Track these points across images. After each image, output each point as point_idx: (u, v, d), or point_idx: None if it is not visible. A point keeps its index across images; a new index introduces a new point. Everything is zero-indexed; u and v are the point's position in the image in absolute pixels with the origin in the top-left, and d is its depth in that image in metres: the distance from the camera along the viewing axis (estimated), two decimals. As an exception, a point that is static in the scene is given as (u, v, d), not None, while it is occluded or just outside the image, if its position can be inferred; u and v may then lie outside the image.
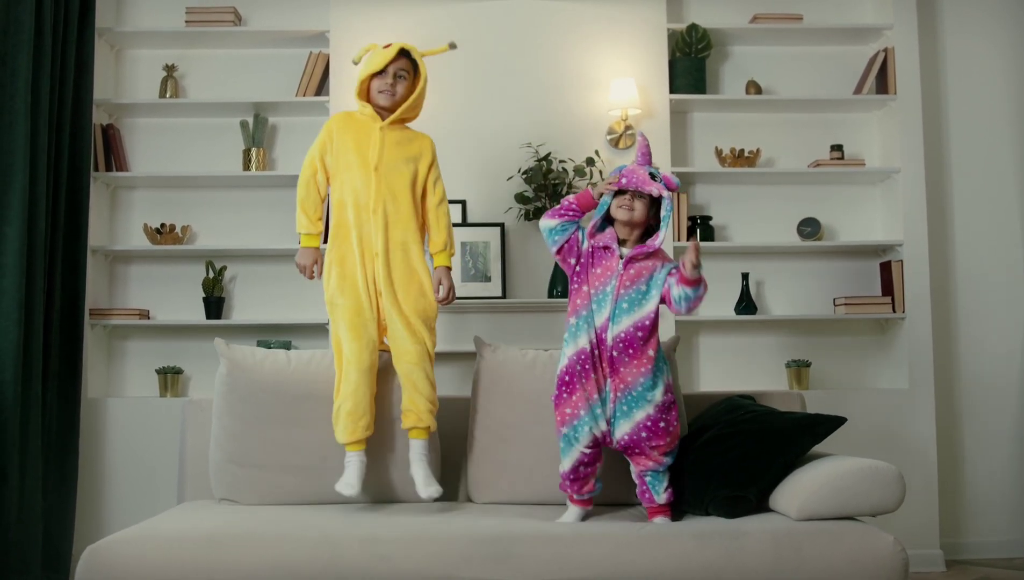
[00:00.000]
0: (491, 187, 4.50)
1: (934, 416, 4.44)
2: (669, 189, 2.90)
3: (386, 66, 3.14)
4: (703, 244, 4.52)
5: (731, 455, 2.91)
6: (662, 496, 2.90)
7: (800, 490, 2.77)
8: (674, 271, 2.90)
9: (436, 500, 3.11)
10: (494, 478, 3.16)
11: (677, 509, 2.95)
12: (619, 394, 2.86)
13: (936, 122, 4.78)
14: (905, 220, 4.52)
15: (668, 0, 4.62)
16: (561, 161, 4.46)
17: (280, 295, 4.55)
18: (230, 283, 4.62)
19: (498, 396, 3.20)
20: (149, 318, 4.50)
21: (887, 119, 4.67)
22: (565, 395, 2.90)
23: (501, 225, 4.47)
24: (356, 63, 3.25)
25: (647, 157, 2.98)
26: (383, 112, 3.19)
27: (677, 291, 2.87)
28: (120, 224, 4.63)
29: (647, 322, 2.88)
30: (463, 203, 4.50)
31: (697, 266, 2.81)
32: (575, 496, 2.94)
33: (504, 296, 4.43)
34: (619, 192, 2.93)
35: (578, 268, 2.96)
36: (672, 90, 4.58)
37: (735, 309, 4.56)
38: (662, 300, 2.91)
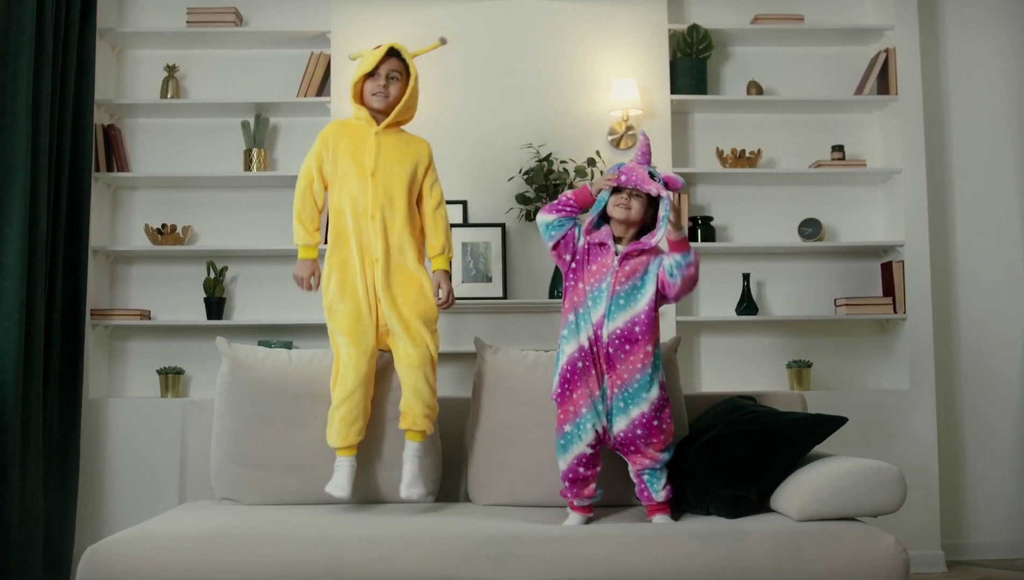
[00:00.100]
0: (492, 187, 4.50)
1: (935, 417, 4.44)
2: (672, 188, 2.90)
3: (377, 67, 3.13)
4: (703, 244, 4.53)
5: (732, 455, 2.91)
6: (660, 494, 2.90)
7: (801, 490, 2.77)
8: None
9: (436, 501, 3.12)
10: (494, 479, 3.15)
11: (677, 508, 2.95)
12: (616, 391, 2.86)
13: (937, 123, 4.78)
14: (906, 221, 4.52)
15: (669, 1, 4.62)
16: (562, 161, 4.46)
17: (281, 295, 4.55)
18: (231, 283, 4.63)
19: (498, 398, 3.19)
20: (150, 318, 4.51)
21: (888, 120, 4.67)
22: (567, 393, 2.90)
23: (502, 225, 4.47)
24: (353, 59, 3.24)
25: (647, 156, 2.98)
26: (378, 116, 3.18)
27: (668, 262, 2.87)
28: (121, 224, 4.64)
29: (643, 316, 2.87)
30: (464, 203, 4.50)
31: (679, 226, 2.84)
32: (575, 503, 2.92)
33: (505, 296, 4.43)
34: (617, 190, 2.93)
35: (573, 265, 2.96)
36: (673, 91, 4.58)
37: (736, 310, 4.56)
38: (660, 292, 2.89)
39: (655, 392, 2.86)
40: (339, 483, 2.96)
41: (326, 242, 3.23)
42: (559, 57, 4.59)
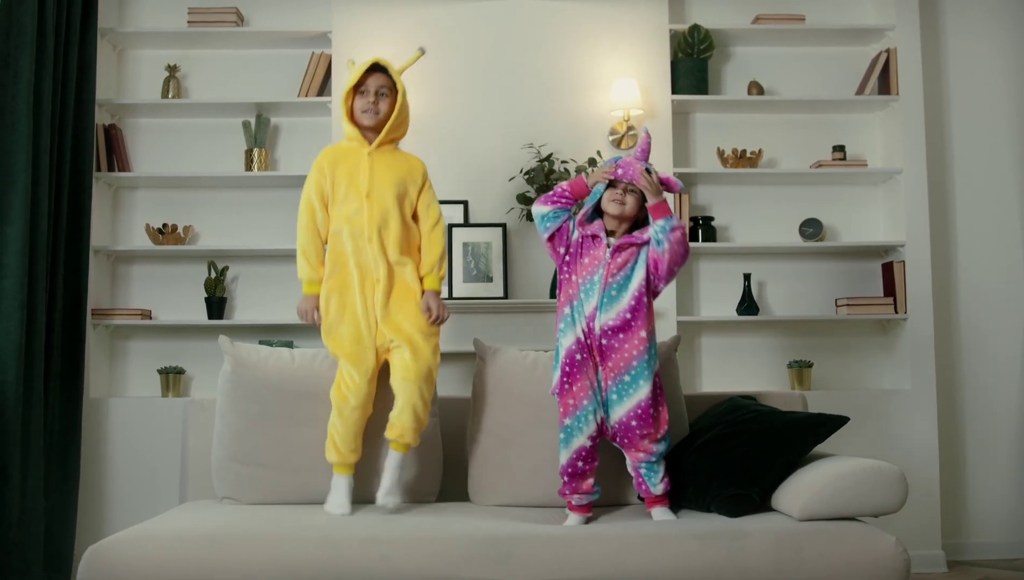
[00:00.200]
0: (493, 187, 4.50)
1: (936, 417, 4.43)
2: (671, 191, 2.95)
3: (366, 83, 3.09)
4: (704, 245, 4.53)
5: (733, 454, 2.92)
6: (658, 487, 2.91)
7: (803, 490, 2.77)
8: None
9: (436, 501, 3.11)
10: (495, 480, 3.15)
11: (678, 505, 2.96)
12: (610, 382, 2.88)
13: (938, 123, 4.78)
14: (907, 221, 4.52)
15: (670, 1, 4.62)
16: (563, 161, 4.46)
17: (282, 295, 4.55)
18: (232, 283, 4.63)
19: (499, 399, 3.19)
20: (151, 318, 4.51)
21: (889, 120, 4.66)
22: (567, 386, 2.92)
23: (503, 225, 4.47)
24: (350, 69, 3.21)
25: (646, 153, 3.02)
26: (369, 135, 3.14)
27: (652, 232, 2.90)
28: (122, 224, 4.64)
29: (633, 302, 2.89)
30: (465, 203, 4.50)
31: (657, 192, 2.89)
32: (573, 502, 2.93)
33: (506, 296, 4.43)
34: (612, 184, 2.96)
35: (567, 258, 2.99)
36: (674, 91, 4.58)
37: (737, 310, 4.56)
38: (652, 273, 2.91)
39: (649, 381, 2.87)
40: (338, 502, 2.95)
41: None
42: (560, 57, 4.59)
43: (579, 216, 3.00)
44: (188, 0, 4.61)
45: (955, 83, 4.81)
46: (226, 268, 4.53)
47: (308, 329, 4.45)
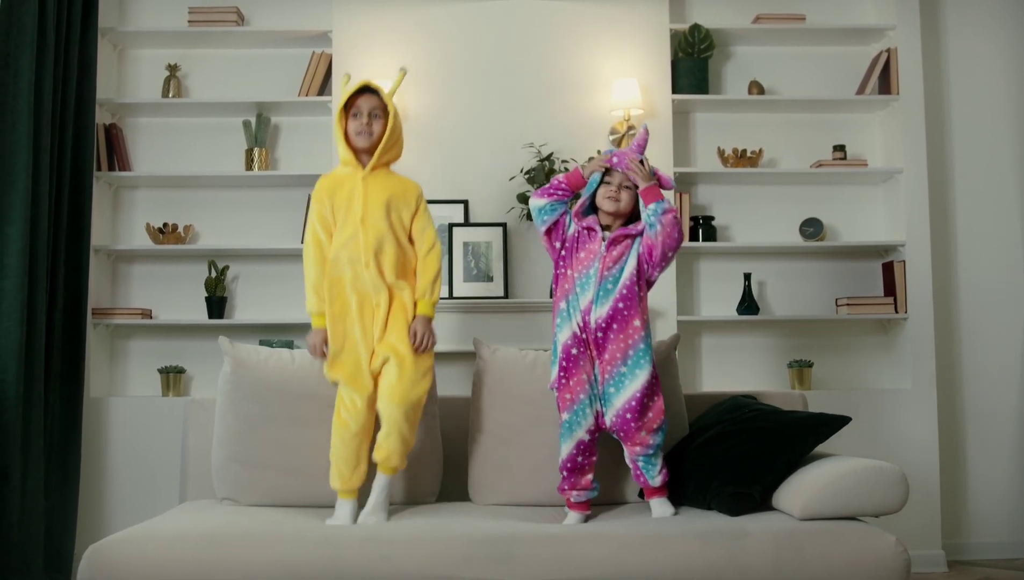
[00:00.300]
0: (493, 187, 4.50)
1: (936, 416, 4.43)
2: (663, 186, 3.00)
3: (358, 104, 3.05)
4: (705, 244, 4.53)
5: (734, 453, 2.92)
6: (656, 479, 2.92)
7: (803, 489, 2.77)
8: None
9: (436, 501, 3.11)
10: (495, 480, 3.15)
11: (678, 502, 2.96)
12: (607, 375, 2.90)
13: (938, 122, 4.78)
14: (907, 220, 4.52)
15: (670, 0, 4.62)
16: (564, 161, 4.46)
17: (282, 295, 4.55)
18: (232, 283, 4.63)
19: (498, 398, 3.19)
20: (151, 318, 4.51)
21: (889, 119, 4.66)
22: (564, 380, 2.93)
23: (503, 225, 4.47)
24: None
25: (642, 148, 3.06)
26: (364, 157, 3.09)
27: (644, 216, 2.93)
28: (123, 224, 4.64)
29: (625, 291, 2.91)
30: (465, 203, 4.51)
31: (646, 177, 2.92)
32: (572, 498, 2.94)
33: (506, 296, 4.43)
34: (606, 182, 3.00)
35: (563, 252, 3.01)
36: (675, 90, 4.58)
37: (737, 309, 4.55)
38: (647, 261, 2.92)
39: (644, 371, 2.88)
40: (343, 523, 2.90)
41: None
42: (560, 57, 4.59)
43: (575, 207, 3.03)
44: (189, 0, 4.61)
45: (955, 83, 4.81)
46: (226, 267, 4.53)
47: (309, 329, 4.45)
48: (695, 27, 4.56)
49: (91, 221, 4.27)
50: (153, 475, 4.23)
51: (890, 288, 4.55)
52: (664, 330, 4.29)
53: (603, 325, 2.90)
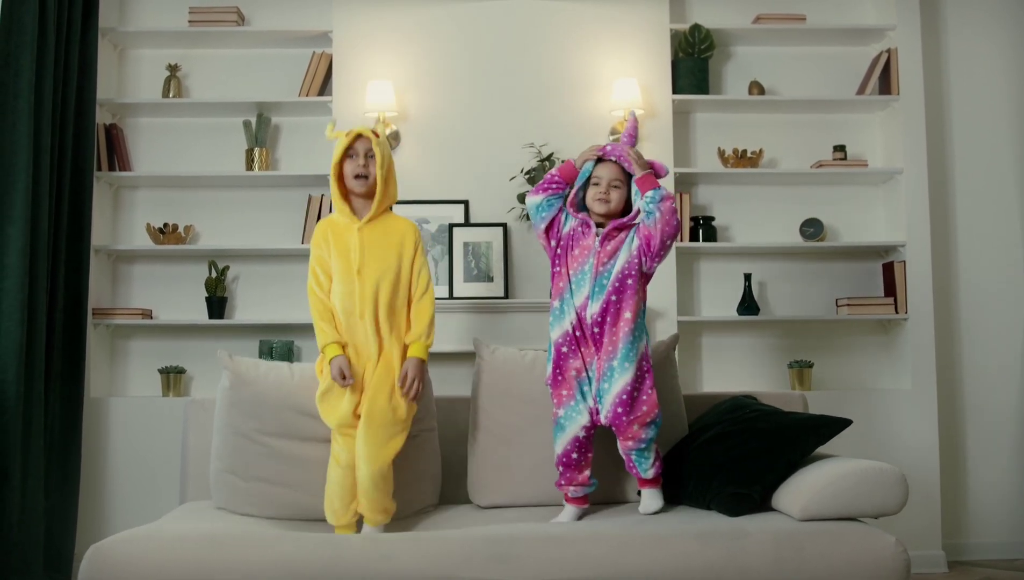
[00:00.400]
0: (494, 187, 4.50)
1: (936, 417, 4.43)
2: (659, 175, 3.00)
3: (352, 145, 3.03)
4: (705, 245, 4.53)
5: (734, 453, 2.92)
6: (649, 472, 2.93)
7: (804, 490, 2.77)
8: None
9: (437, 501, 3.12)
10: (495, 480, 3.15)
11: (677, 502, 2.97)
12: (603, 370, 2.91)
13: (939, 123, 4.78)
14: (908, 221, 4.52)
15: (671, 0, 4.62)
16: (564, 161, 4.44)
17: (283, 295, 4.55)
18: (233, 283, 4.63)
19: (498, 398, 3.19)
20: (152, 318, 4.51)
21: (890, 120, 4.66)
22: (559, 378, 2.95)
23: (504, 225, 4.47)
24: (331, 139, 3.12)
25: (633, 138, 3.08)
26: (359, 203, 3.07)
27: (641, 204, 2.93)
28: (123, 224, 4.64)
29: (617, 283, 2.92)
30: (465, 203, 4.51)
31: (642, 165, 2.94)
32: (569, 493, 2.95)
33: (506, 296, 4.43)
34: (594, 184, 3.01)
35: (559, 250, 3.02)
36: (675, 91, 4.57)
37: (737, 310, 4.55)
38: (644, 251, 2.92)
39: (632, 364, 2.88)
40: None
41: None
42: (560, 57, 4.59)
43: (570, 198, 3.04)
44: (189, 0, 4.61)
45: (955, 83, 4.81)
46: (227, 268, 4.53)
47: (309, 329, 4.44)
48: (695, 27, 4.56)
49: (91, 221, 4.27)
50: (153, 475, 4.23)
51: (890, 288, 4.55)
52: (664, 330, 4.29)
53: (598, 320, 2.91)
